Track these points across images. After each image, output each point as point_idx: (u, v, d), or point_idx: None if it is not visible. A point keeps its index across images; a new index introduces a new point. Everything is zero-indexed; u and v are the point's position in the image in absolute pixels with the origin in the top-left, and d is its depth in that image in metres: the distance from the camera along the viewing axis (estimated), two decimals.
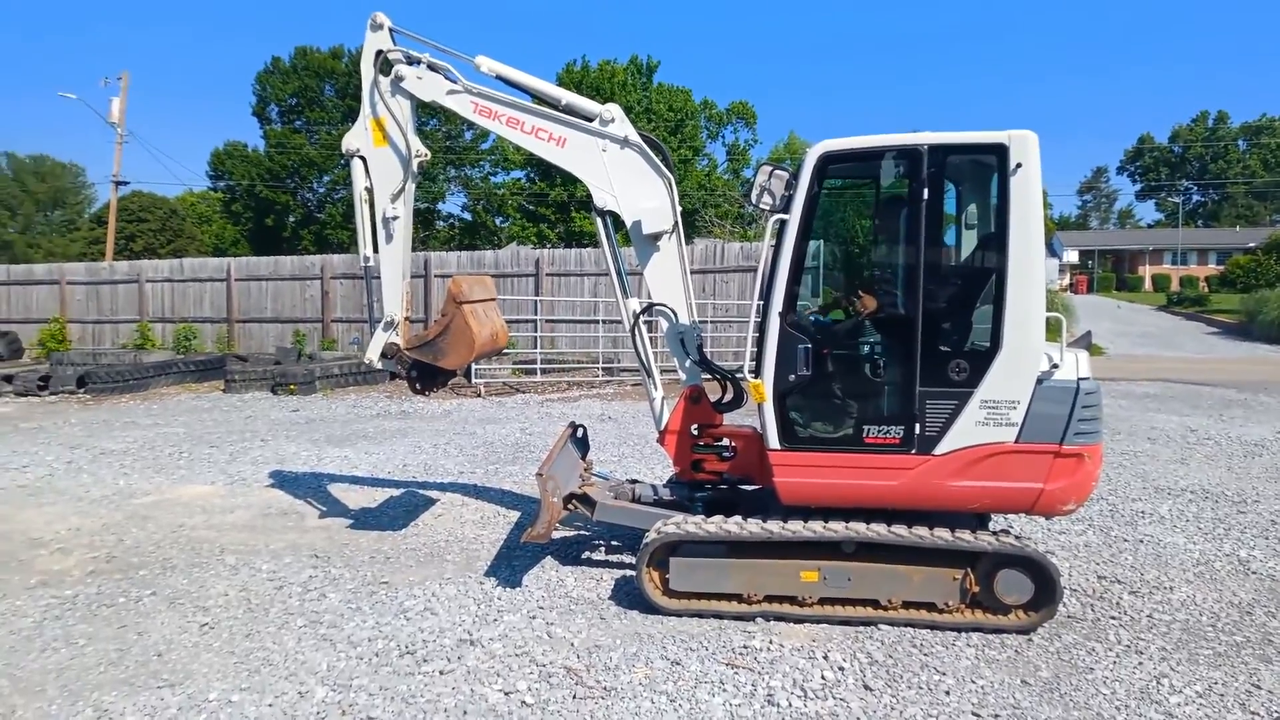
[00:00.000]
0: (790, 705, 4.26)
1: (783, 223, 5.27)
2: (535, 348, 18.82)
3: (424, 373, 6.66)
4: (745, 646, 4.91)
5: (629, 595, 5.63)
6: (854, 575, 5.22)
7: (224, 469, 9.58)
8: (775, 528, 5.25)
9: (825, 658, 4.77)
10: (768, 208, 5.34)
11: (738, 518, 5.42)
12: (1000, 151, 4.98)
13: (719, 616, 5.33)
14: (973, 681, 4.54)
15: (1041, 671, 4.66)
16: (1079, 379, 5.03)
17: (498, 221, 52.50)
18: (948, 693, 4.42)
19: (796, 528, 5.22)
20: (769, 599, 5.33)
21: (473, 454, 10.37)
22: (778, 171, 5.35)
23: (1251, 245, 52.33)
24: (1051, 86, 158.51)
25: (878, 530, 5.13)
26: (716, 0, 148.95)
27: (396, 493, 8.47)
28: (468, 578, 6.03)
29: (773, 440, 5.29)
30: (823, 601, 5.28)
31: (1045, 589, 5.06)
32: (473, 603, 5.57)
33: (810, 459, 5.29)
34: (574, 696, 4.35)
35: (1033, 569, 5.07)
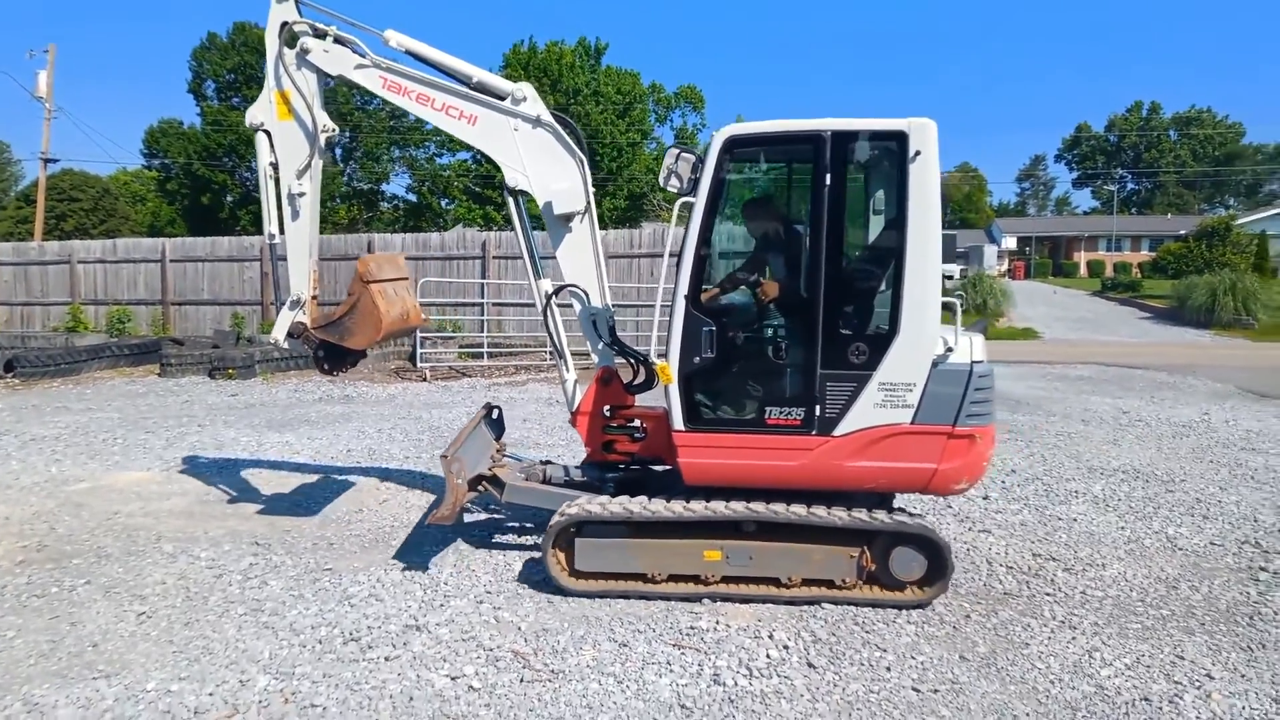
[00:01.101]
0: (736, 684, 4.31)
1: (689, 206, 5.33)
2: (482, 331, 18.67)
3: (331, 353, 6.56)
4: (692, 628, 4.95)
5: None
6: (755, 554, 5.33)
7: (160, 455, 9.34)
8: (674, 508, 5.35)
9: (770, 637, 4.83)
10: (675, 190, 5.41)
11: (642, 498, 5.50)
12: (900, 139, 5.07)
13: (625, 596, 5.41)
14: (912, 657, 4.64)
15: (979, 647, 4.79)
16: (972, 362, 5.18)
17: (443, 204, 51.87)
18: (888, 669, 4.52)
19: (695, 508, 5.32)
20: (673, 578, 5.43)
21: (418, 439, 10.27)
22: (684, 154, 5.42)
23: (1182, 233, 53.99)
24: (993, 75, 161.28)
25: (775, 510, 5.25)
26: None
27: (340, 479, 8.35)
28: (413, 563, 5.98)
29: (677, 421, 5.37)
30: (725, 580, 5.39)
31: (937, 565, 5.23)
32: (419, 588, 5.53)
33: (713, 440, 5.38)
34: (521, 680, 4.35)
35: (925, 546, 5.23)
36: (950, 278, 39.93)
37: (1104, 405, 12.98)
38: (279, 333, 6.49)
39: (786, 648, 4.72)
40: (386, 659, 4.55)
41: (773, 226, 6.06)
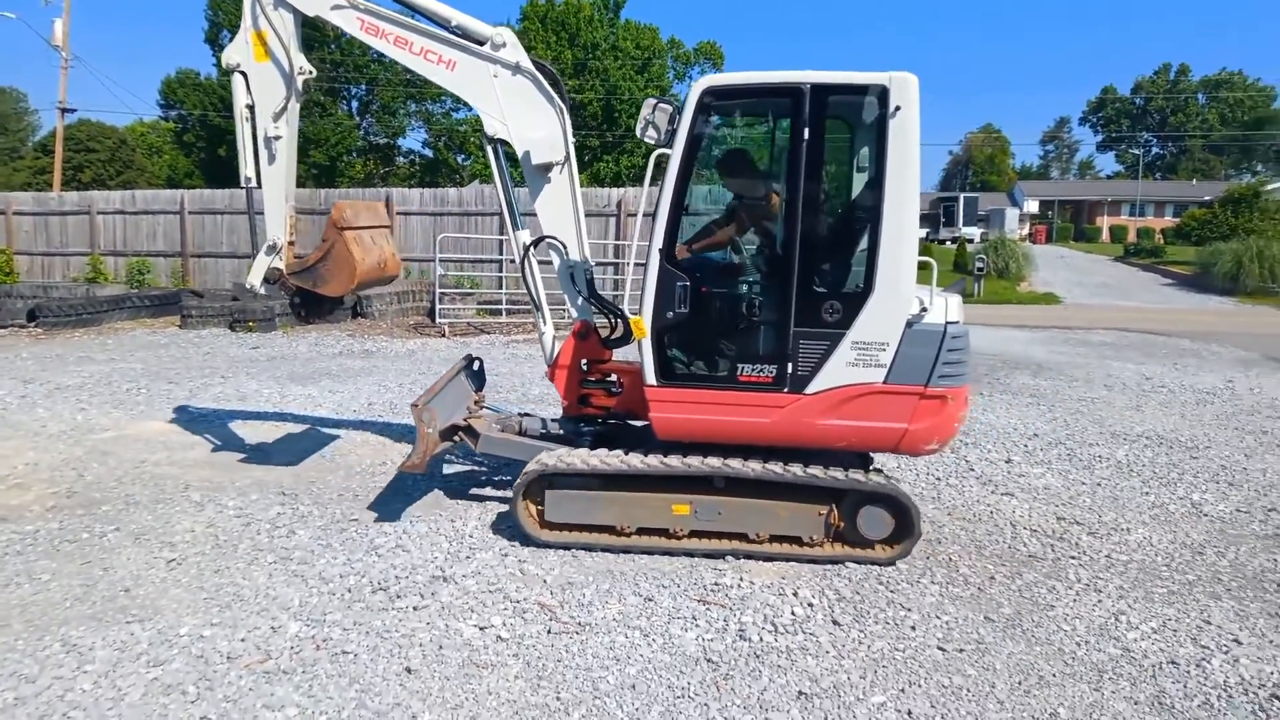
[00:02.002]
0: (761, 639, 4.34)
1: (665, 158, 5.28)
2: (500, 288, 18.64)
3: (307, 300, 6.56)
4: (716, 584, 4.97)
5: None
6: (724, 509, 5.36)
7: (184, 405, 9.41)
8: (642, 461, 5.37)
9: (794, 594, 4.85)
10: (653, 141, 5.35)
11: (615, 452, 5.51)
12: (881, 93, 5.00)
13: (590, 549, 5.46)
14: (937, 617, 4.66)
15: (1004, 608, 4.79)
16: (946, 323, 5.16)
17: (460, 159, 51.55)
18: (913, 627, 4.53)
19: (661, 461, 5.34)
20: (641, 531, 5.46)
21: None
22: (661, 105, 5.35)
23: (1207, 199, 53.20)
24: (1020, 38, 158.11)
25: (744, 466, 5.26)
26: None
27: (363, 431, 8.40)
28: (438, 516, 6.02)
29: (650, 376, 5.37)
30: (694, 534, 5.43)
31: (905, 524, 5.25)
32: (444, 540, 5.57)
33: (686, 395, 5.38)
34: (549, 631, 4.38)
35: (892, 505, 5.25)
36: (971, 240, 39.63)
37: (1126, 371, 12.88)
38: (255, 278, 6.50)
39: (811, 605, 4.74)
40: (415, 608, 4.60)
41: (748, 180, 5.99)
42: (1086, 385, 11.73)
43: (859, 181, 5.70)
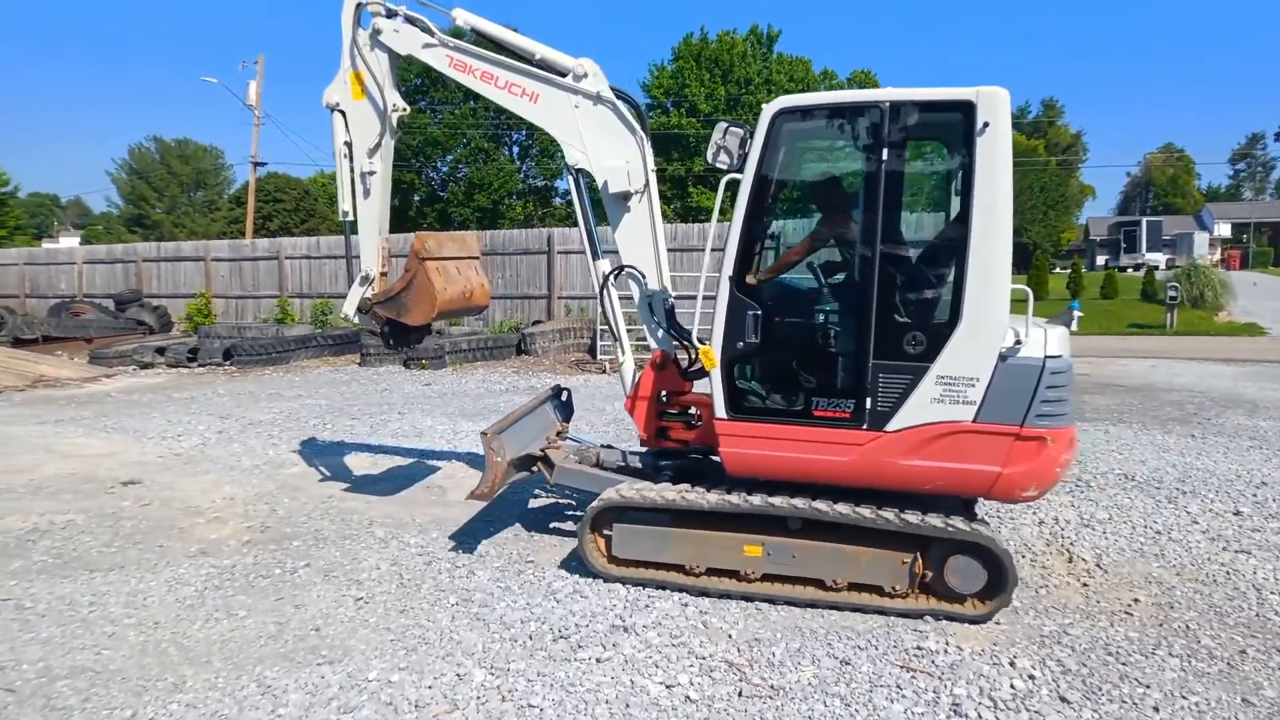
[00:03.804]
0: (980, 717, 3.88)
1: (736, 183, 4.99)
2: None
3: (395, 330, 6.66)
4: (919, 648, 4.55)
5: None
6: (798, 552, 5.00)
7: (366, 441, 9.72)
8: (708, 498, 5.08)
9: (1011, 664, 4.36)
10: (725, 166, 5.10)
11: (683, 486, 5.25)
12: (967, 109, 4.60)
13: (661, 586, 5.22)
14: (1183, 697, 4.07)
15: (1265, 690, 4.15)
16: (1045, 356, 4.65)
17: None
18: (1156, 708, 3.97)
19: (730, 499, 5.05)
20: (711, 572, 5.18)
21: (604, 430, 10.23)
22: (733, 129, 5.12)
23: None
24: (1203, 49, 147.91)
25: (813, 506, 4.89)
26: None
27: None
28: None
29: (720, 409, 5.11)
30: (766, 578, 5.09)
31: (998, 577, 4.73)
32: (621, 586, 5.38)
33: (757, 429, 5.07)
34: (740, 694, 4.09)
35: (984, 556, 4.73)
36: (1157, 267, 36.88)
37: None
38: (349, 308, 6.68)
39: (1032, 677, 4.24)
40: (598, 660, 4.41)
41: (826, 201, 5.68)
42: None
43: (942, 203, 5.37)
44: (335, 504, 7.24)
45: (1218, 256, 52.01)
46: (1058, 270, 44.27)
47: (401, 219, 48.96)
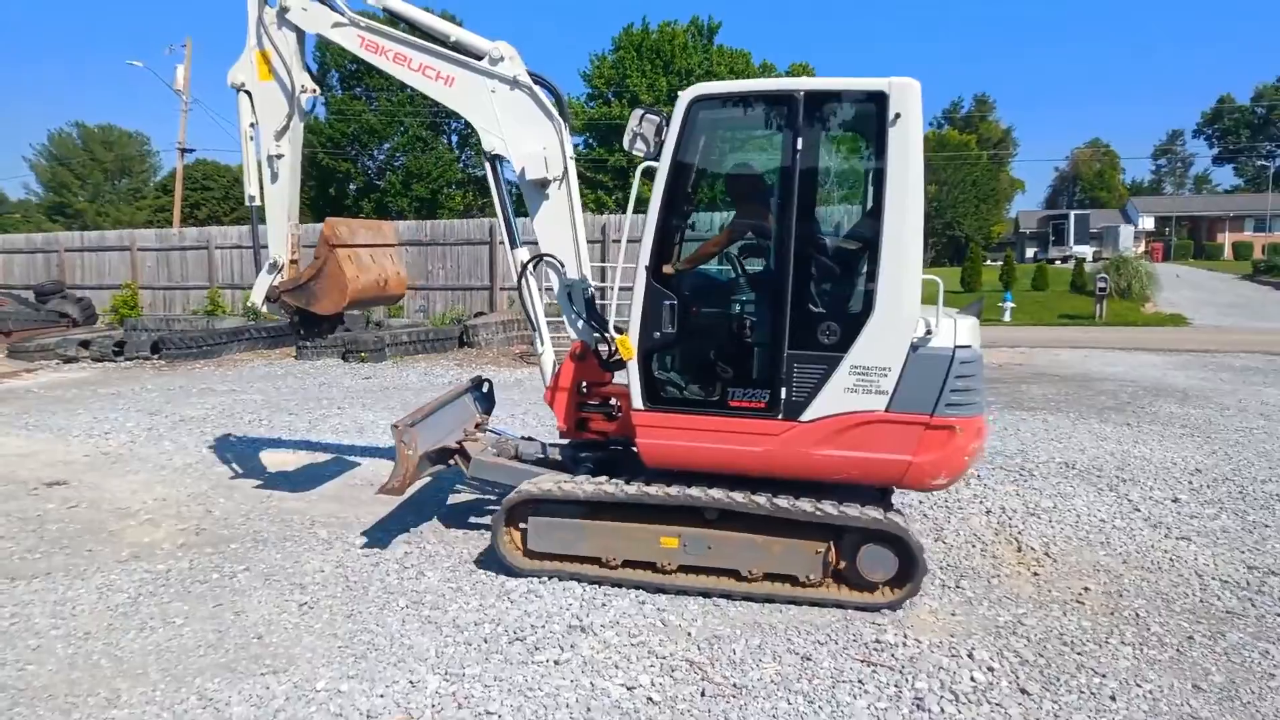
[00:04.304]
0: (943, 711, 3.87)
1: (653, 171, 4.96)
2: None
3: (306, 320, 6.53)
4: (878, 641, 4.53)
5: None
6: (714, 543, 5.02)
7: (305, 437, 9.43)
8: (621, 489, 5.07)
9: (970, 655, 4.37)
10: (641, 154, 5.03)
11: (599, 478, 5.25)
12: (880, 100, 4.62)
13: (577, 579, 5.21)
14: (1138, 685, 4.12)
15: (1214, 675, 4.22)
16: (955, 346, 4.70)
17: None
18: (1113, 697, 4.01)
19: (645, 490, 5.05)
20: (628, 564, 5.17)
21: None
22: (648, 115, 5.04)
23: None
24: (1126, 48, 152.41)
25: (724, 496, 4.91)
26: None
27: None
28: None
29: (636, 400, 5.08)
30: (682, 569, 5.10)
31: (908, 565, 4.81)
32: (576, 585, 5.27)
33: (674, 420, 5.05)
34: (702, 694, 4.02)
35: (895, 545, 4.81)
36: (1084, 260, 37.93)
37: None
38: (256, 297, 6.54)
39: (991, 669, 4.25)
40: (556, 663, 4.30)
41: (741, 191, 5.71)
42: (1241, 414, 10.80)
43: (855, 193, 5.41)
44: (274, 504, 6.98)
45: (1142, 249, 53.76)
46: (989, 263, 45.24)
47: (337, 208, 47.92)
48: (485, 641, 4.53)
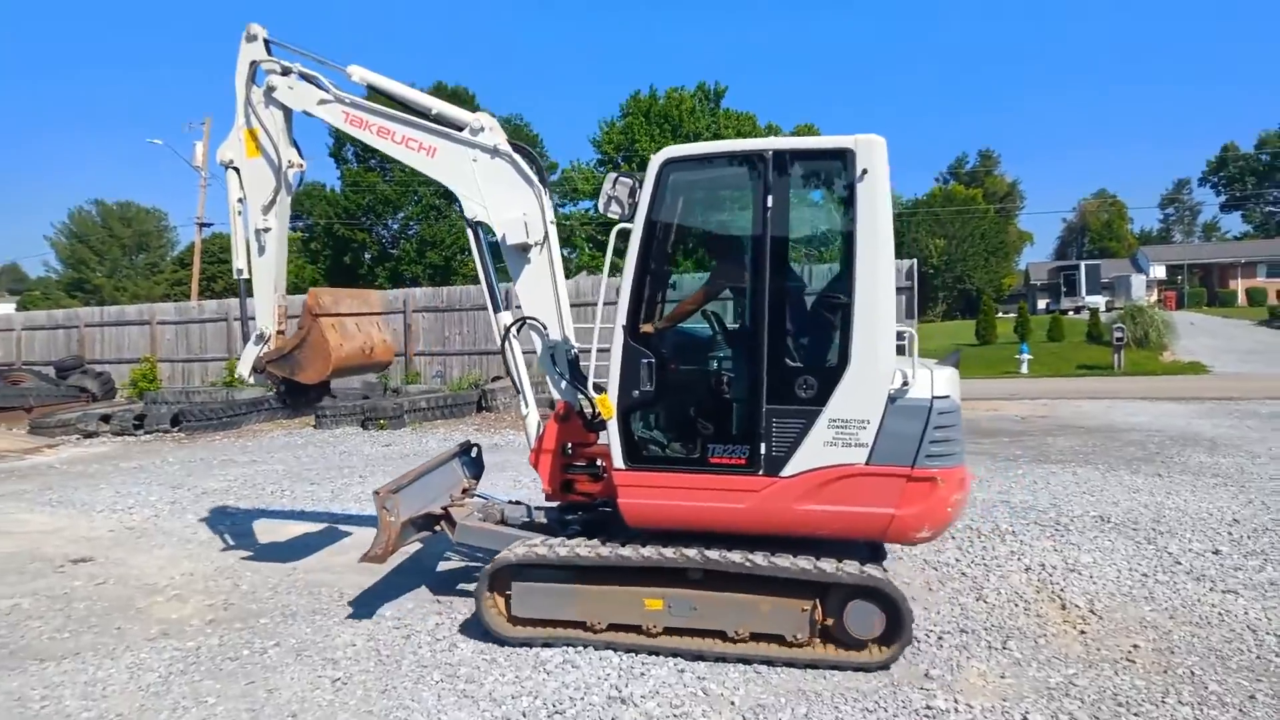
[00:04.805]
0: None
1: (628, 232, 5.04)
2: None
3: (292, 389, 6.56)
4: (928, 707, 4.40)
5: None
6: (699, 604, 4.95)
7: (328, 507, 9.38)
8: (598, 551, 5.03)
9: (1025, 719, 4.24)
10: (616, 216, 5.13)
11: (579, 540, 5.21)
12: (846, 157, 4.73)
13: (567, 644, 5.14)
14: None
15: None
16: (933, 397, 4.69)
17: (566, 253, 52.72)
18: None
19: (622, 553, 5.00)
20: (613, 628, 5.09)
21: None
22: (622, 179, 5.16)
23: None
24: (1129, 99, 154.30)
25: (704, 555, 4.86)
26: (780, 23, 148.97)
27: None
28: None
29: (617, 459, 5.07)
30: (668, 632, 5.02)
31: (895, 622, 4.71)
32: (613, 653, 5.15)
33: (655, 479, 5.04)
34: None
35: (880, 600, 4.72)
36: (1097, 310, 37.86)
37: None
38: (244, 368, 6.60)
39: None
40: None
41: (716, 250, 5.83)
42: (1273, 462, 10.66)
43: (826, 248, 5.47)
44: (301, 576, 6.91)
45: (1155, 298, 53.66)
46: (1003, 315, 45.25)
47: (351, 277, 48.51)
48: (524, 716, 4.43)
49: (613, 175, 5.22)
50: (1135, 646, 5.14)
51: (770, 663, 4.87)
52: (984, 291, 55.63)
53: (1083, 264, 56.09)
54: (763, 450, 4.84)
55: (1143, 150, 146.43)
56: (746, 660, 4.91)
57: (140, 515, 9.29)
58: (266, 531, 8.40)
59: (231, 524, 8.74)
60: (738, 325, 5.47)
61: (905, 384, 4.69)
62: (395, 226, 50.34)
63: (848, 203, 4.76)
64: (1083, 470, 10.45)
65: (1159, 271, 64.62)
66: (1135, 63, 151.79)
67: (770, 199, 4.83)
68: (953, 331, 43.00)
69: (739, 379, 5.09)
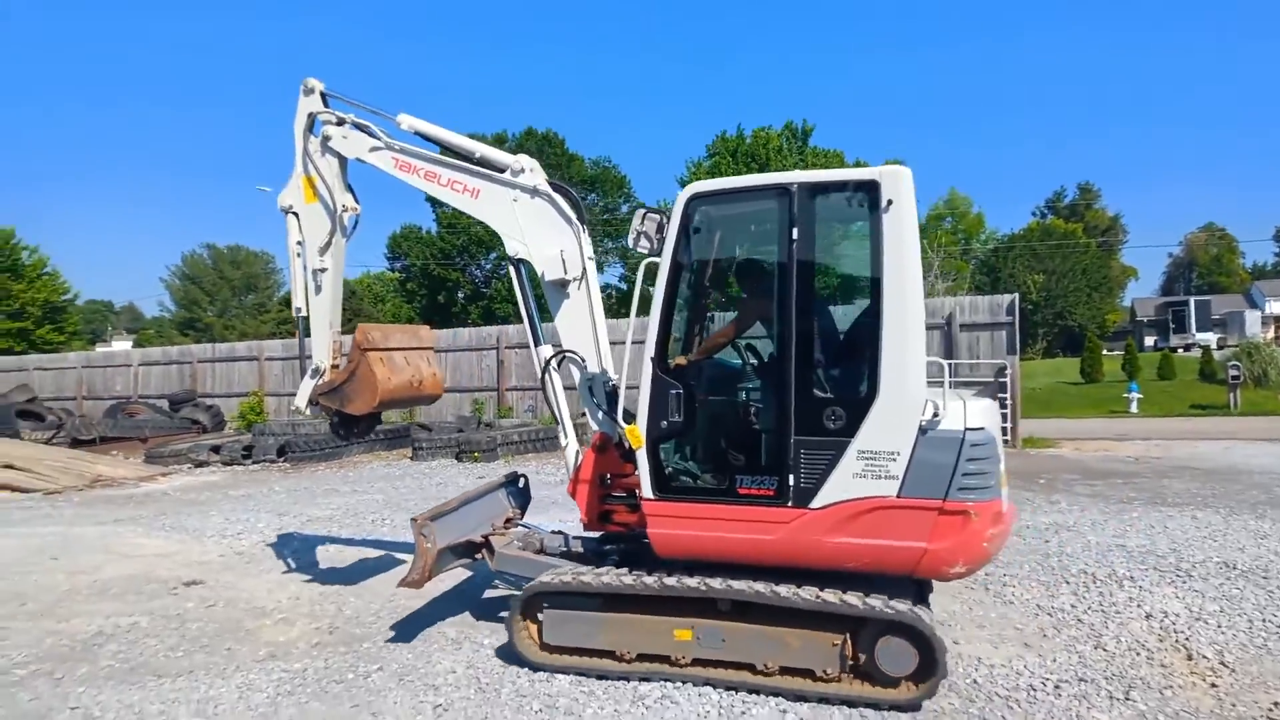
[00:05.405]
0: None
1: (656, 266, 5.07)
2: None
3: (344, 420, 6.80)
4: None
5: None
6: (728, 635, 4.85)
7: None
8: (625, 580, 4.98)
9: None
10: (646, 250, 5.19)
11: (609, 568, 5.20)
12: (872, 189, 4.68)
13: (601, 676, 5.08)
14: None
15: None
16: (965, 428, 4.52)
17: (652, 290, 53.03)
18: None
19: (646, 581, 4.96)
20: (642, 658, 5.01)
21: None
22: (650, 214, 5.24)
23: None
24: (1232, 128, 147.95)
25: (735, 586, 4.78)
26: (867, 62, 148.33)
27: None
28: None
29: (646, 489, 5.03)
30: (697, 663, 4.92)
31: (929, 659, 4.50)
32: (713, 691, 5.06)
33: (684, 509, 4.99)
34: None
35: (913, 637, 4.52)
36: (1208, 347, 36.10)
37: None
38: (301, 400, 6.89)
39: None
40: None
41: (745, 283, 5.88)
42: None
43: (854, 280, 5.43)
44: (402, 602, 7.01)
45: (1271, 334, 50.92)
46: (1108, 352, 43.54)
47: (445, 315, 49.77)
48: None
49: (641, 210, 5.38)
50: (1276, 704, 4.79)
51: (803, 698, 4.78)
52: (1087, 328, 53.69)
53: (1192, 299, 53.67)
54: (791, 482, 4.81)
55: (1252, 181, 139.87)
56: (779, 693, 4.83)
57: (248, 541, 9.61)
58: (368, 558, 8.58)
59: (335, 550, 8.96)
60: (763, 355, 5.51)
61: (936, 415, 4.60)
62: (488, 266, 51.55)
63: (874, 233, 4.75)
64: (1203, 514, 9.89)
65: (1275, 307, 61.33)
66: (1238, 89, 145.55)
67: (796, 231, 4.87)
68: (1055, 369, 41.53)
69: (766, 410, 5.13)
